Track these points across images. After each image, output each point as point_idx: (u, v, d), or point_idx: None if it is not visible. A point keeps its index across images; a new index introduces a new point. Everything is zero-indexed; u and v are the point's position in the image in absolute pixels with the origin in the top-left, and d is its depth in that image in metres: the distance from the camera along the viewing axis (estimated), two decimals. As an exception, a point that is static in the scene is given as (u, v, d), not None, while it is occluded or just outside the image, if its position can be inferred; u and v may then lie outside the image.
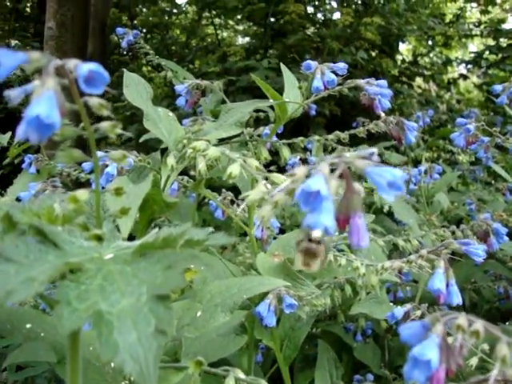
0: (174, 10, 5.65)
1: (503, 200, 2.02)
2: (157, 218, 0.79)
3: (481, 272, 1.59)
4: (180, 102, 1.01)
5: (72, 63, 0.40)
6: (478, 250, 0.65)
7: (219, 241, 0.45)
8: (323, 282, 1.02)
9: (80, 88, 0.39)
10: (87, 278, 0.39)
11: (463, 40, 4.92)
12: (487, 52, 4.31)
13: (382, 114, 0.90)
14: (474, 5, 4.97)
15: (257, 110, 1.63)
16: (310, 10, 4.87)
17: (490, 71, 4.66)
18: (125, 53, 6.14)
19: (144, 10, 6.18)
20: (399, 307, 0.92)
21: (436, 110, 4.20)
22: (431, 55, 4.89)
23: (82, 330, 0.47)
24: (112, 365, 0.69)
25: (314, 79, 0.77)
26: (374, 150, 0.45)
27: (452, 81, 5.17)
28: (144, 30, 5.49)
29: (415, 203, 1.69)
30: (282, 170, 1.02)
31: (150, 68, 5.89)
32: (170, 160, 0.66)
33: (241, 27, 6.01)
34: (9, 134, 2.44)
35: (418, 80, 5.16)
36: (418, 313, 0.87)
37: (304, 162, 1.36)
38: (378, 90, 0.85)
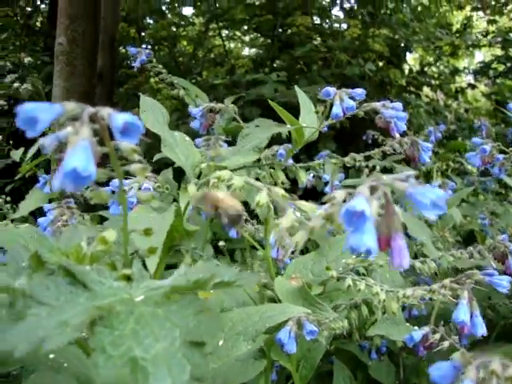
0: (182, 22, 5.69)
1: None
2: (176, 245, 0.79)
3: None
4: (195, 124, 1.02)
5: (106, 112, 0.40)
6: (503, 282, 0.65)
7: (247, 280, 0.45)
8: (339, 303, 1.02)
9: (113, 137, 0.40)
10: (120, 323, 0.40)
11: (470, 49, 4.92)
12: (495, 62, 4.31)
13: (398, 136, 0.90)
14: (481, 14, 4.98)
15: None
16: (316, 20, 4.90)
17: (497, 80, 4.65)
18: (132, 65, 6.20)
19: (151, 22, 6.24)
20: (417, 330, 0.92)
21: (444, 120, 4.20)
22: (438, 64, 4.89)
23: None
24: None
25: (333, 106, 0.77)
26: (411, 172, 0.45)
27: (459, 90, 5.16)
28: (151, 42, 5.54)
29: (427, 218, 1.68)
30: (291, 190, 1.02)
31: (157, 79, 5.94)
32: (192, 188, 0.66)
33: (247, 38, 6.05)
34: (21, 149, 2.47)
35: (425, 89, 5.16)
36: (437, 336, 0.87)
37: (319, 178, 1.36)
38: (393, 114, 0.85)
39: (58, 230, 0.92)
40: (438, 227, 1.64)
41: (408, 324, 1.13)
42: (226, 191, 0.65)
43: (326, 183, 1.36)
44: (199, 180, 0.70)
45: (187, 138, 0.88)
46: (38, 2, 4.88)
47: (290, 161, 1.17)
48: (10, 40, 4.10)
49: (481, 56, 6.69)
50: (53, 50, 4.46)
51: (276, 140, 1.56)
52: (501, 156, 1.17)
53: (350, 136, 2.94)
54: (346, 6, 4.97)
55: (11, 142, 2.72)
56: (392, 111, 0.85)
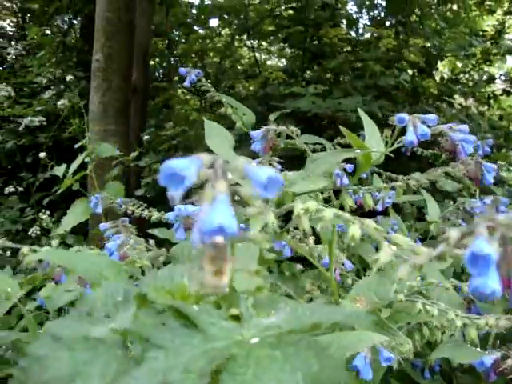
0: (210, 34, 5.75)
1: None
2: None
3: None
4: (255, 147, 1.03)
5: (245, 165, 0.41)
6: None
7: (360, 321, 0.45)
8: (400, 325, 1.01)
9: (254, 189, 0.40)
10: (240, 367, 0.40)
11: (504, 55, 4.84)
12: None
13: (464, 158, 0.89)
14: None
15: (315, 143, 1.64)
16: (343, 30, 4.90)
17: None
18: (161, 76, 6.29)
19: (177, 32, 6.33)
20: (488, 355, 0.90)
21: (478, 128, 4.13)
22: (471, 72, 4.83)
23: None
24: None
25: (407, 132, 0.77)
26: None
27: (492, 96, 5.09)
28: (177, 55, 5.62)
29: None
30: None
31: (184, 90, 6.01)
32: (271, 218, 0.67)
33: (273, 48, 6.08)
34: (64, 165, 2.52)
35: (456, 96, 5.10)
36: (510, 362, 0.85)
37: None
38: (461, 137, 0.84)
39: (125, 255, 0.93)
40: None
41: (469, 346, 1.11)
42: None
43: (377, 201, 1.35)
44: (277, 209, 0.70)
45: (254, 163, 0.88)
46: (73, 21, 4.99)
47: (345, 182, 1.17)
48: (46, 57, 4.20)
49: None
50: (85, 66, 4.57)
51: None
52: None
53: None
54: (373, 14, 4.97)
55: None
56: (460, 134, 0.84)
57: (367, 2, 4.87)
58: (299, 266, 1.85)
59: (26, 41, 4.23)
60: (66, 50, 4.72)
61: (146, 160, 3.27)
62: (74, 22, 5.05)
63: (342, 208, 0.93)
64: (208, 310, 0.47)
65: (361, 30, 4.95)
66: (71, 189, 2.65)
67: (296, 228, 1.33)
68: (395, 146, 0.86)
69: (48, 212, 3.14)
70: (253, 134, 1.01)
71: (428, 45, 3.59)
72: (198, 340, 0.43)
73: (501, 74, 5.22)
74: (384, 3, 4.73)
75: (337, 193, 1.20)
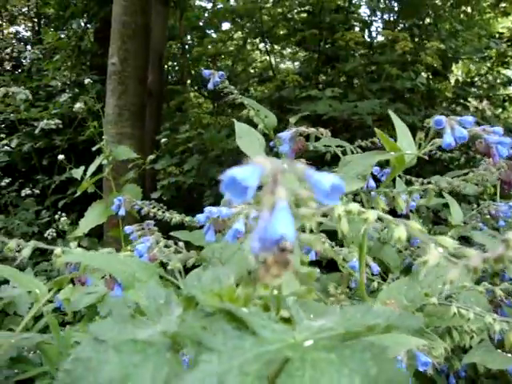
0: (222, 38, 5.76)
1: None
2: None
3: None
4: (283, 148, 1.02)
5: (307, 172, 0.40)
6: None
7: (411, 323, 0.44)
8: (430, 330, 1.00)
9: (316, 195, 0.39)
10: (296, 370, 0.39)
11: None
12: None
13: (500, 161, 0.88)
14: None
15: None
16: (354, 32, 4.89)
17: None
18: (174, 79, 6.32)
19: (188, 36, 6.35)
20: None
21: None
22: (487, 75, 4.80)
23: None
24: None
25: (444, 135, 0.76)
26: None
27: (507, 99, 5.04)
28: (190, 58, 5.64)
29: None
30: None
31: (197, 94, 6.04)
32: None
33: (285, 51, 6.08)
34: (82, 168, 2.54)
35: (470, 98, 5.06)
36: (546, 367, 0.84)
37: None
38: (496, 139, 0.83)
39: (154, 257, 0.93)
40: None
41: (500, 351, 1.10)
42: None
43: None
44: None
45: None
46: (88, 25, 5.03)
47: (372, 184, 1.16)
48: (61, 61, 4.23)
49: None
50: (99, 69, 4.61)
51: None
52: None
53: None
54: (387, 17, 4.96)
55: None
56: (495, 137, 0.83)
57: (381, 6, 4.86)
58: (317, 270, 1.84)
59: (42, 45, 4.27)
60: (81, 54, 4.76)
61: (161, 163, 3.28)
62: (89, 26, 5.09)
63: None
64: (258, 313, 0.46)
65: (374, 34, 4.95)
66: (86, 191, 2.67)
67: (322, 231, 1.32)
68: (428, 148, 0.85)
69: (64, 214, 3.16)
70: (282, 135, 1.00)
71: (443, 47, 3.57)
72: (251, 343, 0.42)
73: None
74: (396, 7, 4.72)
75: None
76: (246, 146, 0.89)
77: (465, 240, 2.17)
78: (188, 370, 0.41)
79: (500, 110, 5.19)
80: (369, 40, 4.39)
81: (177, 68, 6.48)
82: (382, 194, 0.96)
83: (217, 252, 0.84)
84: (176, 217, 1.32)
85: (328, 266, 1.73)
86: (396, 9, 4.72)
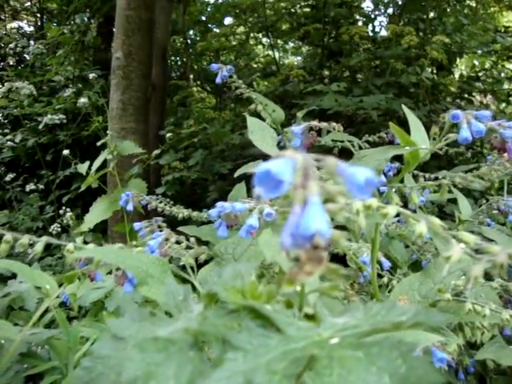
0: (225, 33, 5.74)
1: None
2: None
3: None
4: (295, 143, 1.01)
5: (340, 166, 0.39)
6: None
7: (439, 319, 0.43)
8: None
9: (348, 190, 0.38)
10: (324, 368, 0.39)
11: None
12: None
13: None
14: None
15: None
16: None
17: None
18: (177, 74, 6.30)
19: (191, 32, 6.33)
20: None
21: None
22: (492, 69, 4.78)
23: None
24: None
25: (461, 129, 0.75)
26: None
27: (512, 94, 5.02)
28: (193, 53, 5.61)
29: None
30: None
31: (199, 89, 6.02)
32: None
33: (288, 46, 6.06)
34: (87, 163, 2.53)
35: (475, 93, 5.03)
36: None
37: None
38: (513, 133, 0.82)
39: (165, 253, 0.92)
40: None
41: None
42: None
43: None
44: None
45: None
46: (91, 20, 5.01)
47: (382, 180, 1.15)
48: (64, 56, 4.22)
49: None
50: (102, 64, 4.59)
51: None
52: None
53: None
54: (391, 11, 4.93)
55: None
56: (511, 130, 0.82)
57: (384, 0, 4.83)
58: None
59: (45, 40, 4.26)
60: (84, 49, 4.74)
61: (166, 158, 3.27)
62: (92, 20, 5.07)
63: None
64: (282, 310, 0.46)
65: (377, 28, 4.92)
66: (89, 187, 2.66)
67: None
68: (443, 143, 0.84)
69: (68, 209, 3.16)
70: (294, 129, 1.00)
71: (447, 41, 3.54)
72: (276, 341, 0.42)
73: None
74: (400, 1, 4.70)
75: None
76: (258, 140, 0.88)
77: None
78: (212, 368, 0.41)
79: (504, 104, 5.17)
80: (372, 35, 4.37)
81: (180, 63, 6.47)
82: (394, 188, 0.96)
83: (229, 248, 0.84)
84: (184, 212, 1.31)
85: (334, 260, 1.73)
86: (400, 3, 4.69)
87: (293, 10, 5.00)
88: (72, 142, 3.85)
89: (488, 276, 1.44)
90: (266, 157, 0.48)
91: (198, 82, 5.81)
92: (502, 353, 0.98)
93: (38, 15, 5.72)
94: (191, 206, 1.83)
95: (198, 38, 6.04)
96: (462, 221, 1.55)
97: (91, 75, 2.54)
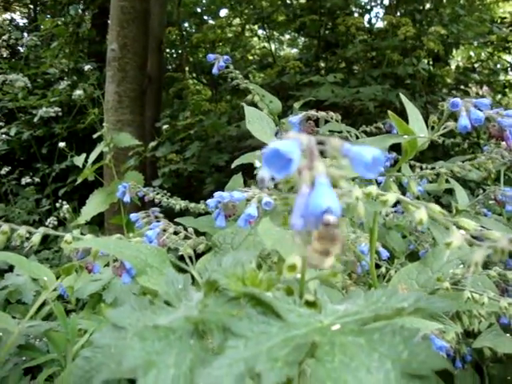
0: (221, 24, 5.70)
1: None
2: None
3: None
4: (292, 133, 1.01)
5: (339, 143, 0.39)
6: None
7: (440, 305, 0.43)
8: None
9: (355, 169, 0.38)
10: (326, 354, 0.39)
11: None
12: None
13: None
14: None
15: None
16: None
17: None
18: (173, 66, 6.27)
19: (186, 24, 6.29)
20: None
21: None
22: (488, 60, 4.78)
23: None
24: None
25: (460, 117, 0.75)
26: None
27: (508, 85, 5.02)
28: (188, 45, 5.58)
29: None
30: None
31: (195, 81, 5.99)
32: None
33: (284, 37, 6.03)
34: (83, 155, 2.52)
35: (471, 85, 5.03)
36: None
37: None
38: (511, 122, 0.82)
39: (163, 243, 0.92)
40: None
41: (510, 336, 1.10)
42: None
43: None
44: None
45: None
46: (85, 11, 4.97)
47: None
48: (59, 48, 4.19)
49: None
50: (97, 56, 4.56)
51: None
52: None
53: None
54: (387, 2, 4.92)
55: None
56: (508, 119, 0.82)
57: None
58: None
59: (38, 32, 4.22)
60: (79, 41, 4.71)
61: (162, 150, 3.26)
62: (86, 12, 5.03)
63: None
64: (283, 297, 0.46)
65: (374, 19, 4.90)
66: (85, 180, 2.65)
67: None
68: (441, 131, 0.84)
69: (64, 202, 3.15)
70: (292, 119, 0.99)
71: (443, 32, 3.54)
72: (278, 328, 0.41)
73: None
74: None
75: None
76: (256, 130, 0.88)
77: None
78: (214, 356, 0.40)
79: (500, 95, 5.17)
80: (369, 26, 4.35)
81: (175, 55, 6.43)
82: (392, 178, 0.96)
83: (228, 237, 0.84)
84: (181, 203, 1.31)
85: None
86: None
87: (289, 2, 4.98)
88: (68, 134, 3.83)
89: (485, 265, 1.45)
90: (264, 147, 0.48)
91: (194, 74, 5.79)
92: (498, 340, 0.99)
93: (31, 6, 5.67)
94: (188, 198, 1.82)
95: (194, 30, 6.01)
96: (459, 211, 1.55)
97: (86, 67, 2.53)
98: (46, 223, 3.24)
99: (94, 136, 2.60)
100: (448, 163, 1.69)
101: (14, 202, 3.72)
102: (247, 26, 5.63)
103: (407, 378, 0.36)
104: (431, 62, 4.02)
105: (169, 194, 1.61)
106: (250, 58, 5.86)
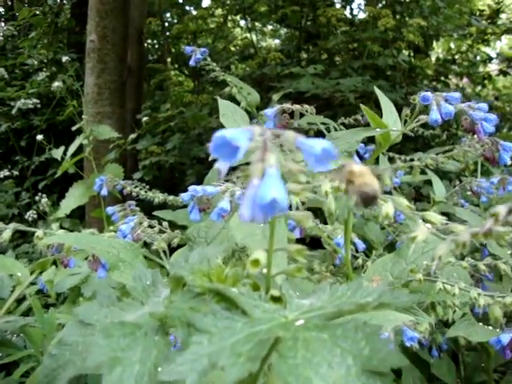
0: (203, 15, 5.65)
1: None
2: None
3: None
4: (268, 125, 1.01)
5: (297, 137, 0.39)
6: None
7: (403, 300, 0.44)
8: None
9: (307, 162, 0.38)
10: (289, 349, 0.39)
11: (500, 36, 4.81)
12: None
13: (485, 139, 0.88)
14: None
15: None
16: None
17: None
18: (154, 57, 6.20)
19: (168, 15, 6.22)
20: (504, 333, 0.90)
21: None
22: (468, 52, 4.81)
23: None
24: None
25: (431, 111, 0.75)
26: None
27: (487, 76, 5.07)
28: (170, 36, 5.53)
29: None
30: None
31: (177, 72, 5.94)
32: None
33: (267, 28, 6.00)
34: (62, 148, 2.49)
35: (450, 76, 5.07)
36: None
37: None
38: (482, 115, 0.83)
39: (138, 237, 0.92)
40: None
41: (481, 324, 1.12)
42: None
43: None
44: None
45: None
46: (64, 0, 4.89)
47: (357, 161, 1.16)
48: (37, 38, 4.12)
49: (505, 41, 6.55)
50: (77, 47, 4.49)
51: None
52: None
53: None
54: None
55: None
56: (480, 113, 0.83)
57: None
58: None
59: (16, 21, 4.14)
60: (58, 31, 4.63)
61: (142, 143, 3.23)
62: (65, 1, 4.95)
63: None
64: (248, 292, 0.46)
65: (355, 11, 4.90)
66: (66, 172, 2.63)
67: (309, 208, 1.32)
68: (413, 125, 0.85)
69: (44, 196, 3.11)
70: (266, 112, 0.99)
71: (423, 23, 3.55)
72: (242, 323, 0.42)
73: (498, 54, 5.21)
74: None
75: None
76: (230, 123, 0.87)
77: (446, 216, 2.20)
78: (178, 351, 0.41)
79: (480, 87, 5.22)
80: (350, 17, 4.36)
81: (157, 46, 6.36)
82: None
83: (202, 231, 0.83)
84: (159, 196, 1.30)
85: (311, 243, 1.74)
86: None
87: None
88: (47, 127, 3.77)
89: (461, 255, 1.46)
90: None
91: (176, 65, 5.74)
92: (472, 330, 1.01)
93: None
94: (169, 190, 1.81)
95: (176, 21, 5.95)
96: (436, 202, 1.57)
97: (64, 58, 2.48)
98: (26, 217, 3.20)
99: (73, 128, 2.57)
100: (425, 155, 1.71)
101: (-7, 195, 3.67)
102: (229, 17, 5.60)
103: (367, 375, 0.37)
104: (412, 54, 4.04)
105: (150, 186, 1.60)
106: (233, 48, 5.83)
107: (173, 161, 3.28)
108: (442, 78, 4.30)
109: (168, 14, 6.17)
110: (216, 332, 0.41)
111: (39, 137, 2.47)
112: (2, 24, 4.70)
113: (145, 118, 2.76)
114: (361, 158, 1.78)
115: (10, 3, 5.41)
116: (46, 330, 1.21)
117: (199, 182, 1.21)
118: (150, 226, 0.93)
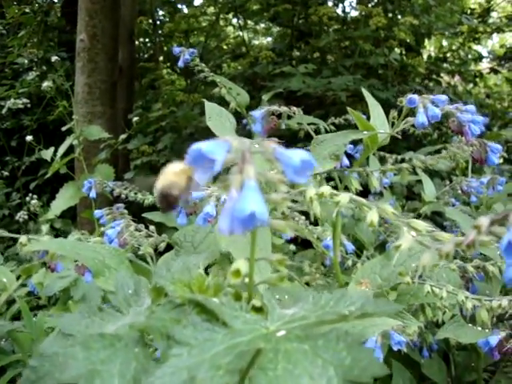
0: (195, 13, 5.63)
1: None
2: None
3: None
4: (256, 128, 1.00)
5: (276, 148, 0.38)
6: None
7: (386, 309, 0.43)
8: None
9: (285, 173, 0.38)
10: (269, 361, 0.38)
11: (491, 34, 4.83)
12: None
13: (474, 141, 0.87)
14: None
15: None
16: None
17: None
18: (146, 56, 6.17)
19: (161, 13, 6.19)
20: (493, 335, 0.90)
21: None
22: (459, 50, 4.83)
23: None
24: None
25: (417, 114, 0.75)
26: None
27: (478, 74, 5.08)
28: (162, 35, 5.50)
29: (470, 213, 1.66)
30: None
31: (169, 71, 5.92)
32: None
33: (259, 26, 5.99)
34: (51, 149, 2.47)
35: (443, 74, 5.08)
36: (515, 342, 0.85)
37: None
38: (469, 118, 0.82)
39: (125, 242, 0.91)
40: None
41: (471, 325, 1.12)
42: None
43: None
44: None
45: (256, 146, 0.86)
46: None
47: (346, 163, 1.15)
48: (27, 37, 4.08)
49: (496, 40, 6.58)
50: (67, 46, 4.46)
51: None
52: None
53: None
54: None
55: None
56: (468, 115, 0.82)
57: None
58: (292, 247, 1.84)
59: (5, 20, 4.11)
60: (48, 30, 4.60)
61: (134, 142, 3.22)
62: (55, 0, 4.91)
63: (346, 190, 0.92)
64: (229, 303, 0.45)
65: (347, 9, 4.89)
66: (57, 173, 2.61)
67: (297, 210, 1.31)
68: (401, 127, 0.84)
69: (35, 196, 3.08)
70: (254, 113, 0.99)
71: (415, 22, 3.56)
72: (222, 335, 0.41)
73: (489, 53, 5.22)
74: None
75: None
76: (216, 126, 0.87)
77: (438, 215, 2.21)
78: (157, 364, 0.40)
79: (471, 85, 5.24)
80: (342, 15, 4.35)
81: (148, 45, 6.33)
82: (355, 172, 0.96)
83: (188, 236, 0.83)
84: (149, 198, 1.29)
85: (304, 242, 1.73)
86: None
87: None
88: (37, 127, 3.75)
89: (454, 256, 1.45)
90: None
91: (168, 64, 5.71)
92: (461, 331, 1.01)
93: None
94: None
95: (168, 19, 5.92)
96: (426, 202, 1.57)
97: (54, 58, 2.46)
98: (17, 217, 3.17)
99: (64, 129, 2.55)
100: (416, 154, 1.71)
101: (-17, 196, 3.64)
102: (221, 15, 5.58)
103: (349, 386, 0.36)
104: (403, 52, 4.04)
105: (139, 187, 1.59)
106: (225, 47, 5.81)
107: (164, 160, 3.26)
108: (434, 76, 4.31)
109: (160, 13, 6.14)
110: (196, 344, 0.40)
111: (28, 137, 2.46)
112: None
113: (135, 118, 2.74)
114: (351, 157, 1.77)
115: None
116: (35, 334, 1.19)
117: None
118: (138, 230, 0.93)
